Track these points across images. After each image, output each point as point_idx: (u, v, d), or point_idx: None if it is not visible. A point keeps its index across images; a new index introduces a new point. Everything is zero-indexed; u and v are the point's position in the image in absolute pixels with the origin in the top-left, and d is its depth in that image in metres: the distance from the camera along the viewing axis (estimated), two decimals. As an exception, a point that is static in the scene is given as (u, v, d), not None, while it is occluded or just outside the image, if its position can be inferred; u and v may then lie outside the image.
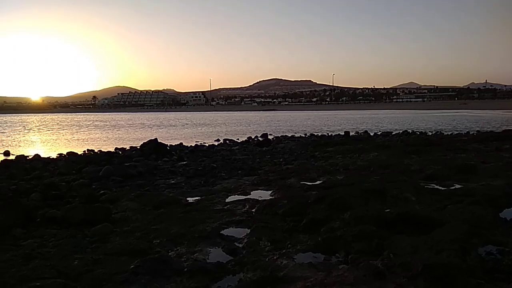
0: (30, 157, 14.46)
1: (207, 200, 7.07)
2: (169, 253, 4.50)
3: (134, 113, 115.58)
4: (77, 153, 15.73)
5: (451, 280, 3.39)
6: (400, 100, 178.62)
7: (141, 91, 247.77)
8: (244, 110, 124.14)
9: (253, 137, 22.86)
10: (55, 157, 14.92)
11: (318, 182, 8.27)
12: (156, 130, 35.27)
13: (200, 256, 4.42)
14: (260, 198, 7.02)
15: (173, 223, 5.57)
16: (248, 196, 7.30)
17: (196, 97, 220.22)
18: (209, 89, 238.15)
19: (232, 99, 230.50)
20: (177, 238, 4.93)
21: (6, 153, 17.53)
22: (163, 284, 3.74)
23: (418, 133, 23.73)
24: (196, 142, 21.10)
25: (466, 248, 3.98)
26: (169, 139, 23.20)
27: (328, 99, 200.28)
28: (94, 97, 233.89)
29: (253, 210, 6.24)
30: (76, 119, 68.91)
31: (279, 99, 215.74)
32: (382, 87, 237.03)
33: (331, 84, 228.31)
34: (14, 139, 28.25)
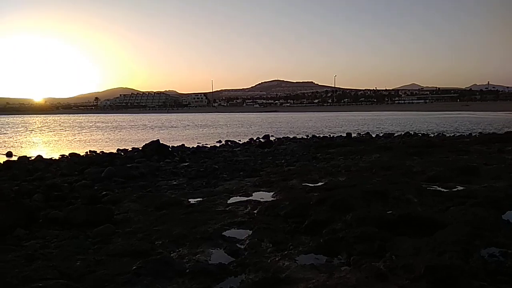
0: (32, 158, 14.48)
1: (209, 201, 7.07)
2: (171, 254, 4.50)
3: (136, 114, 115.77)
4: (79, 154, 15.77)
5: (454, 282, 3.38)
6: (402, 101, 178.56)
7: (143, 92, 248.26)
8: (245, 111, 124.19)
9: (254, 138, 22.87)
10: (57, 158, 14.96)
11: (320, 184, 8.26)
12: (158, 131, 35.33)
13: (202, 257, 4.42)
14: (262, 200, 7.02)
15: (175, 224, 5.57)
16: (250, 198, 7.31)
17: (198, 98, 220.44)
18: (211, 91, 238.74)
19: (234, 101, 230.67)
20: (179, 239, 4.94)
21: (9, 154, 17.60)
22: (165, 285, 3.74)
23: (420, 134, 23.69)
24: (198, 143, 21.12)
25: (469, 250, 3.97)
26: (171, 140, 23.24)
27: (330, 101, 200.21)
28: (96, 98, 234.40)
29: (255, 211, 6.24)
30: (78, 120, 69.06)
31: (280, 101, 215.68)
32: (384, 89, 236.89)
33: (333, 86, 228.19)
34: (16, 140, 28.34)
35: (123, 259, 4.30)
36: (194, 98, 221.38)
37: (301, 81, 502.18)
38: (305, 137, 24.01)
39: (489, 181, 7.54)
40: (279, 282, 3.70)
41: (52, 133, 36.36)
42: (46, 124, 55.26)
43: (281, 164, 11.91)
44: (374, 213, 5.21)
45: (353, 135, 23.18)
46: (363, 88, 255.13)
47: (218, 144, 20.30)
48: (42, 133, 36.78)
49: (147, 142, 15.68)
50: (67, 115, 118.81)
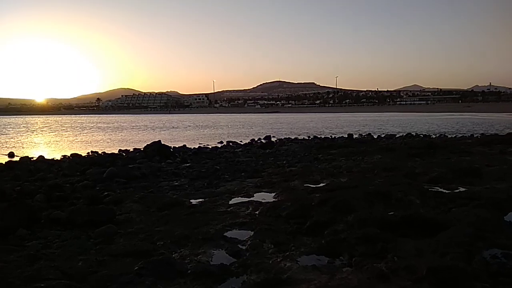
0: (34, 158, 14.52)
1: (211, 202, 7.07)
2: (173, 255, 4.50)
3: (138, 115, 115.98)
4: (81, 155, 15.81)
5: (456, 283, 3.37)
6: (404, 102, 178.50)
7: (144, 93, 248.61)
8: (247, 112, 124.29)
9: (256, 139, 22.89)
10: (59, 158, 14.98)
11: (321, 185, 8.25)
12: (160, 132, 35.37)
13: (204, 258, 4.42)
14: (263, 200, 7.02)
15: (176, 225, 5.57)
16: (251, 198, 7.31)
17: (200, 99, 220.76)
18: (213, 91, 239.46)
19: (235, 101, 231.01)
20: (180, 240, 4.94)
21: (11, 155, 17.65)
22: (167, 285, 3.75)
23: (422, 135, 23.65)
24: (199, 144, 21.14)
25: (471, 251, 3.96)
26: (173, 141, 23.26)
27: (331, 102, 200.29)
28: (98, 99, 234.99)
29: (257, 212, 6.24)
30: (80, 121, 69.20)
31: (282, 102, 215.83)
32: (386, 90, 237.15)
33: (335, 87, 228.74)
34: (18, 140, 28.40)
35: (125, 259, 4.31)
36: (196, 99, 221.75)
37: (302, 82, 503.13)
38: (307, 138, 24.01)
39: (491, 183, 7.52)
40: (280, 283, 3.70)
41: (54, 133, 36.43)
42: (48, 125, 55.38)
43: (283, 165, 11.91)
44: (376, 214, 5.20)
45: (354, 136, 23.14)
46: (365, 89, 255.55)
47: (219, 145, 20.32)
48: (44, 133, 36.86)
49: (148, 143, 15.69)
50: (69, 115, 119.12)
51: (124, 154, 15.96)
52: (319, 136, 24.58)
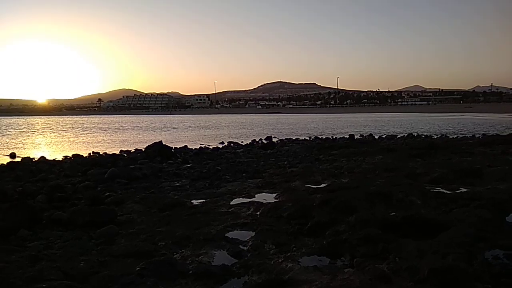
0: (35, 159, 14.54)
1: (212, 202, 7.07)
2: (174, 256, 4.50)
3: (139, 115, 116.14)
4: (82, 155, 15.81)
5: (458, 284, 3.36)
6: (405, 103, 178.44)
7: (146, 93, 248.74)
8: (248, 113, 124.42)
9: (257, 140, 22.88)
10: (60, 159, 14.99)
11: (323, 185, 8.25)
12: (161, 133, 35.39)
13: (205, 259, 4.42)
14: (264, 201, 7.02)
15: (178, 226, 5.58)
16: (252, 199, 7.31)
17: (201, 100, 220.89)
18: (214, 92, 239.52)
19: (237, 102, 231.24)
20: (182, 241, 4.94)
21: (12, 155, 17.68)
22: (168, 286, 3.75)
23: (423, 136, 23.63)
24: (200, 144, 21.14)
25: (473, 252, 3.96)
26: (174, 141, 23.27)
27: (332, 102, 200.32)
28: (100, 99, 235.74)
29: (258, 213, 6.24)
30: (81, 122, 69.30)
31: (283, 102, 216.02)
32: (387, 90, 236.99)
33: (336, 87, 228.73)
34: (19, 141, 28.44)
35: (126, 260, 4.31)
36: (197, 100, 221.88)
37: (303, 82, 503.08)
38: (308, 138, 24.00)
39: (492, 183, 7.51)
40: (282, 283, 3.70)
41: (55, 134, 36.49)
42: (49, 125, 55.48)
43: (284, 165, 11.91)
44: (377, 215, 5.20)
45: (355, 136, 23.14)
46: (366, 90, 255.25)
47: (220, 146, 20.32)
48: (45, 134, 36.92)
49: (150, 144, 15.69)
50: (70, 116, 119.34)
51: (125, 155, 15.97)
52: (320, 137, 24.57)
